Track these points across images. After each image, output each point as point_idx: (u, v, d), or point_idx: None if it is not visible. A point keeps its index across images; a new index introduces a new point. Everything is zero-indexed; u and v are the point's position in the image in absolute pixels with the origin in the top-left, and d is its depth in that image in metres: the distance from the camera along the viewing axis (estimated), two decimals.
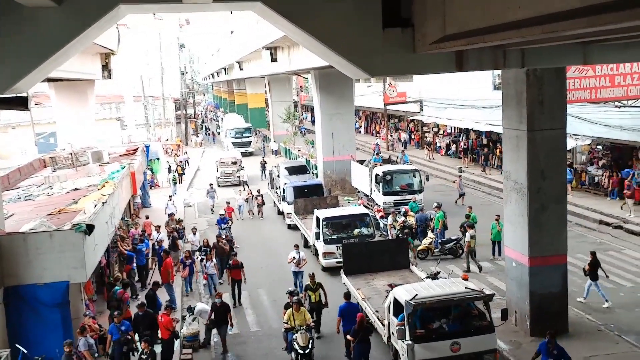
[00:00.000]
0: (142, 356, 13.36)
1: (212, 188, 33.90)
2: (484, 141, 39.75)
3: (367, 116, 62.93)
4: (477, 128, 37.97)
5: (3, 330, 13.23)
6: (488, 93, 36.31)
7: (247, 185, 37.00)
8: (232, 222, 26.68)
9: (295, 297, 15.71)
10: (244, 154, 51.87)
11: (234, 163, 41.18)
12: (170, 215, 27.02)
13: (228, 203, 28.76)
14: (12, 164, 29.66)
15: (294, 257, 19.61)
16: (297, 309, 14.89)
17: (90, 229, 13.86)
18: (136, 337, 14.46)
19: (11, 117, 48.34)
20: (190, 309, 17.06)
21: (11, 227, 14.77)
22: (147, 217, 27.82)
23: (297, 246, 20.25)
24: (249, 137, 55.24)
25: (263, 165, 42.93)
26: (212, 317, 16.08)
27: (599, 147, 30.00)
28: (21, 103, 13.65)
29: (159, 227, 24.48)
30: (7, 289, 13.30)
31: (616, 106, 27.22)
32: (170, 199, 30.94)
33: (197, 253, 22.37)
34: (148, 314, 15.17)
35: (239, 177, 40.25)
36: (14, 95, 12.80)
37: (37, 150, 42.01)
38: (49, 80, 29.29)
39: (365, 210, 24.10)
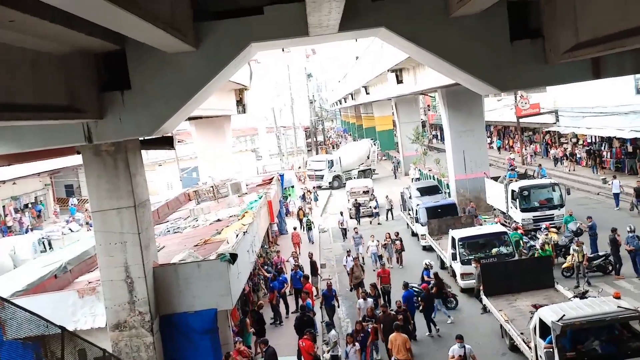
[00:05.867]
0: None
1: (357, 233, 28.25)
2: (629, 149, 37.19)
3: (499, 131, 61.10)
4: (621, 135, 35.62)
5: (160, 357, 14.10)
6: (630, 98, 34.02)
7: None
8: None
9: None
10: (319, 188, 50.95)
11: (366, 192, 40.06)
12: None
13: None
14: (161, 199, 31.74)
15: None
16: None
17: (233, 257, 14.51)
18: None
19: (158, 155, 51.79)
20: (329, 325, 17.37)
21: (163, 259, 15.78)
22: (295, 229, 28.77)
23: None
24: (321, 170, 53.01)
25: (357, 207, 37.43)
26: None
27: None
28: (167, 143, 14.65)
29: (295, 254, 25.13)
30: (162, 318, 14.20)
31: None
32: (349, 254, 24.73)
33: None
34: None
35: (371, 207, 37.91)
36: (161, 135, 13.76)
37: (182, 185, 44.80)
38: (190, 118, 31.25)
39: (503, 229, 23.31)
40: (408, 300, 18.29)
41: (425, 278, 20.70)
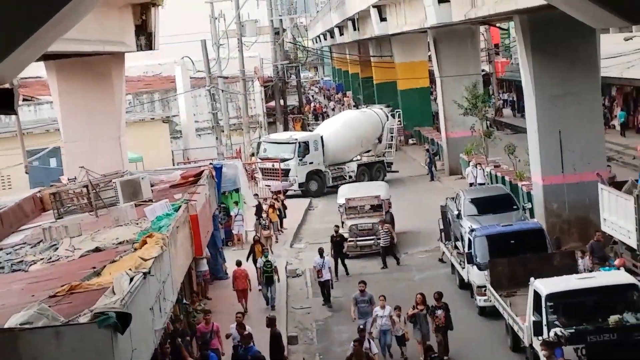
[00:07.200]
0: None
1: (363, 293, 27.78)
2: None
3: (628, 96, 61.44)
4: None
5: None
6: None
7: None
8: None
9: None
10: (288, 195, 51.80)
11: (375, 208, 39.57)
12: None
13: None
14: None
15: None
16: None
17: (124, 321, 14.40)
18: None
19: None
20: None
21: None
22: (239, 264, 30.58)
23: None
24: (284, 161, 54.05)
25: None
26: None
27: None
28: (3, 102, 14.48)
29: (242, 316, 25.09)
30: None
31: None
32: None
33: None
34: None
35: (386, 236, 36.71)
36: None
37: (30, 182, 44.40)
38: (47, 57, 30.96)
39: (631, 279, 23.47)
40: None
41: None
